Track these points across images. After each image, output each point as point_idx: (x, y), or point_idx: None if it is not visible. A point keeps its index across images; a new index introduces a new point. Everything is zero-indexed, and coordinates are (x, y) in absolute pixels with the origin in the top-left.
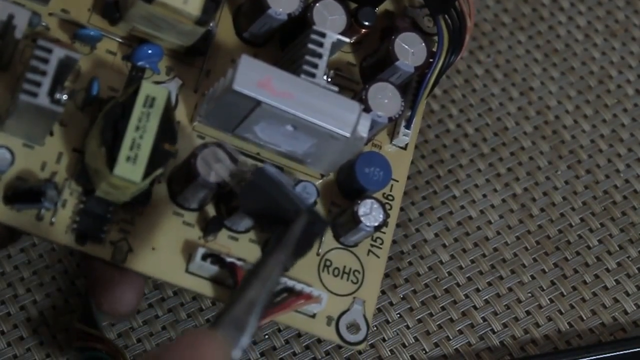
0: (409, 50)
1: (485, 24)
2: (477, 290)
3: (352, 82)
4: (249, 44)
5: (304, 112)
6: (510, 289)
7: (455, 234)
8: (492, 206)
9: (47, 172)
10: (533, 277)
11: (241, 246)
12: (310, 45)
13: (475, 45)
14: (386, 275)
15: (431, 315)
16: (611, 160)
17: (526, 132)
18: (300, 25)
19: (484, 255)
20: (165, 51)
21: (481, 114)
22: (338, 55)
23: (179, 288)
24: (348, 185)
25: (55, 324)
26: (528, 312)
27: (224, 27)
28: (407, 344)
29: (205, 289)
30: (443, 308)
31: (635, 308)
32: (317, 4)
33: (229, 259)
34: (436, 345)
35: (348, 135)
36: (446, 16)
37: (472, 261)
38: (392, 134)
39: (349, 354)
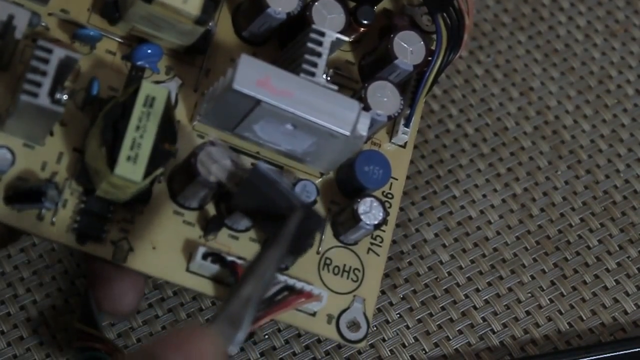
0: (408, 49)
1: (485, 24)
2: (477, 290)
3: (351, 81)
4: (248, 43)
5: (303, 111)
6: (510, 289)
7: (455, 234)
8: (492, 206)
9: (48, 172)
10: (533, 277)
11: (241, 245)
12: (310, 44)
13: (475, 45)
14: (386, 275)
15: (431, 315)
16: (611, 160)
17: (526, 132)
18: (299, 24)
19: (483, 256)
20: (164, 51)
21: (481, 114)
22: (337, 54)
23: (179, 287)
24: (348, 184)
25: (55, 324)
26: (528, 312)
27: (223, 27)
28: (407, 344)
29: (206, 288)
30: (443, 308)
31: (635, 308)
32: (316, 3)
33: (229, 258)
34: (436, 345)
35: (348, 133)
36: (445, 14)
37: (472, 261)
38: (391, 133)
39: (348, 354)
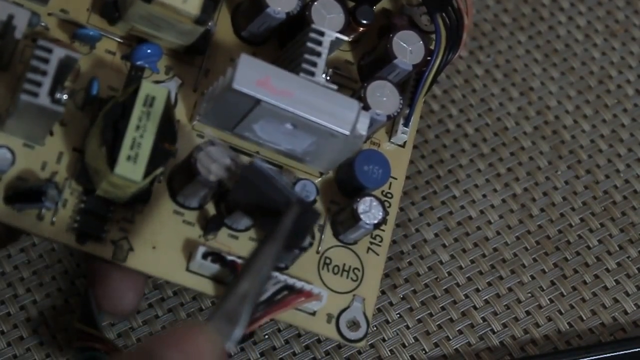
0: (407, 48)
1: (485, 24)
2: (477, 290)
3: (351, 81)
4: (247, 42)
5: (303, 111)
6: (510, 289)
7: (455, 234)
8: (492, 206)
9: (48, 172)
10: (533, 277)
11: (241, 244)
12: (309, 44)
13: (475, 45)
14: (386, 275)
15: (431, 315)
16: (611, 160)
17: (526, 132)
18: (298, 24)
19: (483, 256)
20: (164, 50)
21: (481, 114)
22: (336, 54)
23: (179, 287)
24: (347, 183)
25: (55, 324)
26: (528, 312)
27: (223, 26)
28: (407, 344)
29: (206, 287)
30: (443, 308)
31: (635, 308)
32: (316, 3)
33: (229, 257)
34: (436, 345)
35: (347, 133)
36: (444, 14)
37: (472, 261)
38: (391, 132)
39: (348, 354)
